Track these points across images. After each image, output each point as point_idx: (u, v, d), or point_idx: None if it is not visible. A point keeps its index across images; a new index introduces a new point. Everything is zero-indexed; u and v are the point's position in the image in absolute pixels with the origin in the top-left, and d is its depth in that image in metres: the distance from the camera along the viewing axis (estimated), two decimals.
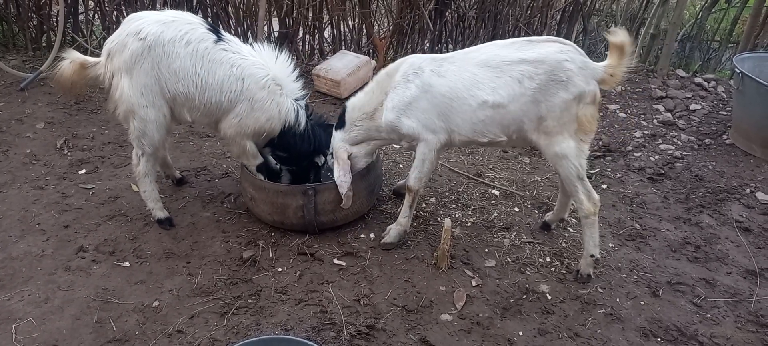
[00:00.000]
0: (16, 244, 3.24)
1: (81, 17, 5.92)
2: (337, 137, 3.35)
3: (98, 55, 3.25)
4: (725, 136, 4.88)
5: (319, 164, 3.54)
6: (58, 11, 5.57)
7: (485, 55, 2.97)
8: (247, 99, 3.18)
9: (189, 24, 3.08)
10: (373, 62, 5.64)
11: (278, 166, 3.55)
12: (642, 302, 3.08)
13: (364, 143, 3.33)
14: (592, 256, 3.14)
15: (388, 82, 3.13)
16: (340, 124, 3.33)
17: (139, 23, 3.05)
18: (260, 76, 3.18)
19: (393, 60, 6.08)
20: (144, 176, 3.34)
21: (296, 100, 3.34)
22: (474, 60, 2.97)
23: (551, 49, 2.87)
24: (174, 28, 3.05)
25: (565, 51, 2.87)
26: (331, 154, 3.41)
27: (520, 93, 2.87)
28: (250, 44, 3.29)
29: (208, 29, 3.13)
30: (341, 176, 3.25)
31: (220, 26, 5.24)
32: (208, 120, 3.30)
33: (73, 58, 3.19)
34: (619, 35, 2.82)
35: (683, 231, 3.70)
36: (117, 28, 5.90)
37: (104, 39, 5.75)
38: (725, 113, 5.27)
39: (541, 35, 6.21)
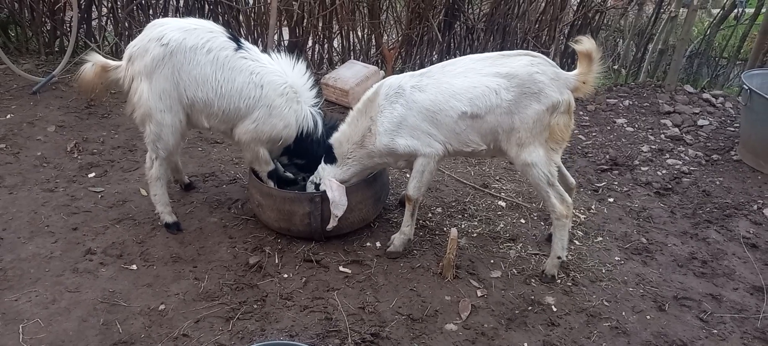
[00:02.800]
0: (25, 245, 3.26)
1: (94, 23, 5.99)
2: (328, 172, 3.30)
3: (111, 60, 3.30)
4: (733, 153, 4.87)
5: None
6: (71, 17, 5.64)
7: (461, 68, 3.03)
8: (265, 105, 3.22)
9: (210, 32, 3.14)
10: (382, 72, 5.67)
11: (295, 176, 3.61)
12: (648, 316, 3.07)
13: (355, 177, 3.34)
14: (559, 257, 3.20)
15: (371, 107, 3.15)
16: (330, 159, 3.31)
17: (162, 29, 3.10)
18: (279, 83, 3.24)
19: (401, 71, 6.15)
20: (156, 180, 3.38)
21: (312, 107, 3.39)
22: (451, 73, 3.04)
23: (522, 63, 2.94)
24: (196, 35, 3.10)
25: (535, 63, 2.93)
26: (318, 183, 3.37)
27: (496, 104, 2.93)
28: (268, 53, 3.34)
29: (229, 37, 3.18)
30: (337, 197, 3.17)
31: None
32: (224, 126, 3.34)
33: (95, 60, 3.24)
34: (584, 43, 2.90)
35: (690, 246, 3.69)
36: (129, 33, 6.01)
37: (116, 44, 5.84)
38: (733, 129, 5.26)
39: (549, 49, 6.26)
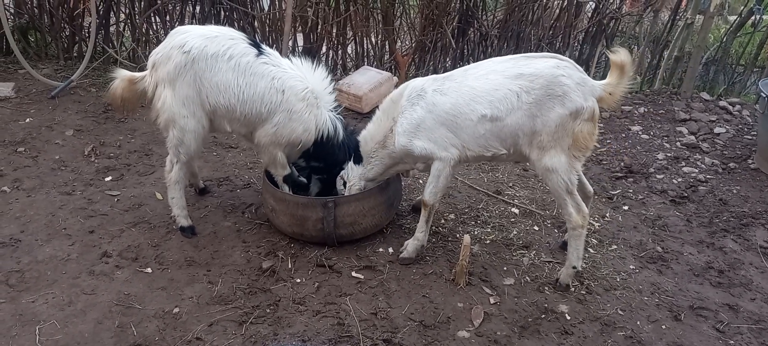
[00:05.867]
0: (42, 247, 3.31)
1: (112, 29, 6.08)
2: (356, 173, 3.38)
3: (128, 65, 3.35)
4: (750, 161, 4.81)
5: None
6: (89, 23, 5.72)
7: (483, 70, 3.03)
8: (285, 110, 3.26)
9: (231, 39, 3.18)
10: (395, 78, 5.68)
11: (306, 178, 3.63)
12: (663, 326, 3.04)
13: (380, 177, 3.40)
14: (574, 267, 3.17)
15: (394, 108, 3.20)
16: (357, 159, 3.38)
17: (184, 37, 3.14)
18: (299, 89, 3.27)
19: (415, 77, 6.15)
20: (175, 183, 3.41)
21: (331, 111, 3.42)
22: (473, 75, 3.04)
23: (548, 64, 2.91)
24: (217, 43, 3.14)
25: (562, 66, 2.90)
26: (343, 183, 3.46)
27: (516, 106, 2.92)
28: (289, 58, 3.38)
29: (250, 44, 3.22)
30: None
31: None
32: (245, 130, 3.39)
33: (121, 76, 3.32)
34: (620, 54, 2.87)
35: (706, 255, 3.64)
36: (146, 39, 6.07)
37: (133, 50, 5.91)
38: (750, 137, 5.20)
39: (563, 56, 6.23)
